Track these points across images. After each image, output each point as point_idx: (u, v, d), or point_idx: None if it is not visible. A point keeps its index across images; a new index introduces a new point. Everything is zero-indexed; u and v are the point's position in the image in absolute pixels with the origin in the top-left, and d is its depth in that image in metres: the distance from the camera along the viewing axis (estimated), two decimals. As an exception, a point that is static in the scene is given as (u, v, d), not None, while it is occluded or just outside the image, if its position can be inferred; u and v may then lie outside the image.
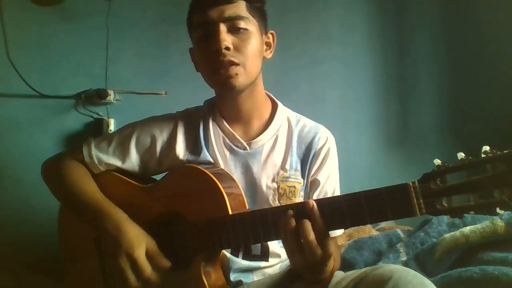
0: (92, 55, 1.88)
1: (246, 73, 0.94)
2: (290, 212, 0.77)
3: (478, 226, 1.15)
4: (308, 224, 0.75)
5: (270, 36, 1.04)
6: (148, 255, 0.87)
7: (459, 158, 0.68)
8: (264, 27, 1.00)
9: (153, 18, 1.98)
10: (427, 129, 2.19)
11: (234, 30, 0.92)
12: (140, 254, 0.86)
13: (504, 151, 0.65)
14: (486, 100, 2.08)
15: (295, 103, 1.96)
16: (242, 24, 0.93)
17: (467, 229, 1.16)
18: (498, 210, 0.65)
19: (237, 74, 0.92)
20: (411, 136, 2.20)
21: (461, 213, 0.69)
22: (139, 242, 0.87)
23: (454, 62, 2.21)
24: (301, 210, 0.77)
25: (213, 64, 0.92)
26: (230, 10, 0.92)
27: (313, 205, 0.76)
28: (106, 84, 1.87)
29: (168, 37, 1.97)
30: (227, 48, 0.90)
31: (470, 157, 0.68)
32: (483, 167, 0.66)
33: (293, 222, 0.76)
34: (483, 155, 0.67)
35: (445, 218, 1.33)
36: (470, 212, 0.68)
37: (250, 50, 0.94)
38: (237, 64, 0.92)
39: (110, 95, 1.85)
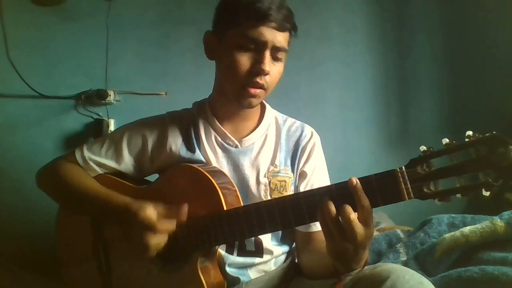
0: (92, 55, 1.88)
1: (264, 96, 0.98)
2: (326, 198, 0.75)
3: (478, 226, 1.15)
4: (348, 207, 0.73)
5: None
6: (159, 214, 0.86)
7: (444, 143, 0.70)
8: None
9: (153, 18, 1.98)
10: (427, 129, 2.20)
11: (274, 58, 0.94)
12: (146, 211, 0.84)
13: (486, 134, 0.67)
14: (486, 100, 2.08)
15: (295, 103, 1.99)
16: (281, 55, 0.95)
17: (467, 229, 1.16)
18: (483, 191, 0.67)
19: (259, 97, 0.96)
20: (411, 136, 2.20)
21: (448, 196, 0.70)
22: (145, 207, 0.85)
23: (454, 62, 2.21)
24: (333, 192, 0.77)
25: (245, 78, 0.93)
26: (280, 38, 0.92)
27: (356, 182, 0.74)
28: (106, 85, 1.87)
29: (168, 37, 1.98)
30: (267, 74, 0.93)
31: (454, 142, 0.69)
32: (467, 151, 0.68)
33: (331, 206, 0.75)
34: (466, 139, 0.68)
35: (445, 218, 1.33)
36: (457, 195, 0.69)
37: (277, 78, 0.97)
38: (264, 89, 0.94)
39: (110, 95, 1.85)
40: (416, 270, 1.00)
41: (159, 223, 0.85)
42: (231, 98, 0.98)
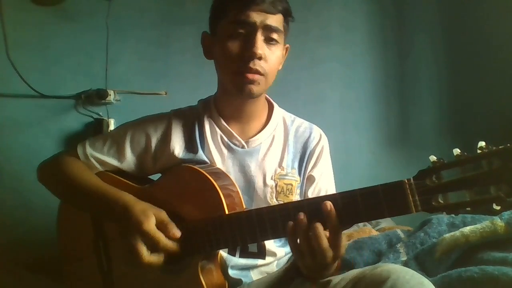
0: (92, 55, 1.88)
1: (266, 83, 0.95)
2: (301, 215, 0.76)
3: (478, 226, 1.14)
4: (321, 229, 0.75)
5: (285, 49, 1.05)
6: (159, 225, 0.86)
7: (455, 154, 0.68)
8: (285, 40, 1.02)
9: (153, 18, 1.98)
10: (427, 129, 2.19)
11: (268, 40, 0.93)
12: (150, 225, 0.84)
13: (500, 147, 0.65)
14: (486, 100, 2.08)
15: (295, 103, 1.99)
16: (275, 36, 0.94)
17: (467, 229, 1.15)
18: (494, 206, 0.65)
19: (259, 83, 0.93)
20: (411, 136, 2.20)
21: (457, 209, 0.68)
22: (146, 215, 0.85)
23: (454, 62, 2.21)
24: (309, 208, 0.77)
25: (240, 66, 0.91)
26: (271, 19, 0.92)
27: (331, 207, 0.75)
28: (106, 84, 1.87)
29: (168, 37, 1.97)
30: (260, 57, 0.91)
31: (466, 153, 0.67)
32: (479, 163, 0.66)
33: (304, 224, 0.76)
34: (478, 151, 0.66)
35: (445, 218, 1.33)
36: (467, 209, 0.67)
37: (275, 63, 0.95)
38: (262, 74, 0.93)
39: (110, 95, 1.85)
40: (416, 270, 0.99)
41: (161, 241, 0.84)
42: (232, 90, 0.96)
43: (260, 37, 0.91)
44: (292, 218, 0.78)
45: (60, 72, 1.84)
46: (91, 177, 1.01)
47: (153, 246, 0.85)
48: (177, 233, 0.86)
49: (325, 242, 0.74)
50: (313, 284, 0.84)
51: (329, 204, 0.75)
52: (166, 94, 1.94)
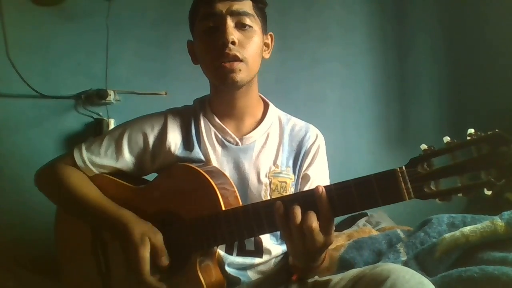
0: (92, 55, 1.88)
1: (248, 70, 0.96)
2: (295, 205, 0.77)
3: (478, 226, 1.14)
4: (312, 213, 0.76)
5: (269, 37, 1.06)
6: (153, 251, 0.88)
7: (445, 141, 0.69)
8: (265, 27, 1.03)
9: (153, 18, 1.98)
10: (427, 128, 2.20)
11: (240, 25, 0.94)
12: (145, 253, 0.87)
13: (488, 132, 0.66)
14: (486, 100, 2.08)
15: (295, 103, 2.00)
16: (247, 21, 0.95)
17: (467, 229, 1.15)
18: (485, 191, 0.66)
19: (240, 70, 0.94)
20: (411, 136, 2.20)
21: (449, 195, 0.69)
22: (143, 242, 0.87)
23: (454, 62, 2.21)
24: (303, 198, 0.79)
25: (217, 57, 0.93)
26: (238, 6, 0.94)
27: (322, 191, 0.76)
28: (106, 84, 1.87)
29: (168, 37, 1.97)
30: (233, 42, 0.92)
31: (455, 140, 0.69)
32: (468, 149, 0.67)
33: (298, 210, 0.77)
34: (468, 137, 0.68)
35: (445, 218, 1.33)
36: (458, 194, 0.69)
37: (253, 48, 0.96)
38: (240, 60, 0.93)
39: (110, 95, 1.85)
40: (416, 270, 0.99)
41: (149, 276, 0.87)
42: (218, 84, 0.98)
43: (230, 24, 0.93)
44: (287, 209, 0.79)
45: (60, 72, 1.84)
46: (90, 189, 1.01)
47: (138, 274, 0.87)
48: (165, 261, 0.89)
49: (315, 224, 0.75)
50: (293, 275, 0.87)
51: (321, 188, 0.77)
52: (166, 94, 1.94)
